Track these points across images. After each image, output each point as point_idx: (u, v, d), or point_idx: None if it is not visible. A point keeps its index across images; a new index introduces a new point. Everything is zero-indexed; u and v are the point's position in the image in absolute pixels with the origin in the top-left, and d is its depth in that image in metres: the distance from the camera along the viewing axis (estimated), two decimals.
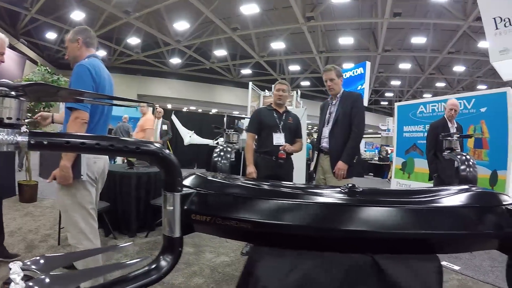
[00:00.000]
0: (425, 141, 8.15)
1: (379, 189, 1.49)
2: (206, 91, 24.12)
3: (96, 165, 2.33)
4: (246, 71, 22.75)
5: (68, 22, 16.06)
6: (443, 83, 23.57)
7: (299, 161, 5.28)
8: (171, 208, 1.08)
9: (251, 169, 3.52)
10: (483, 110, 7.15)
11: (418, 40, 17.08)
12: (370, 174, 14.30)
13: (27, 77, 6.22)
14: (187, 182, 1.25)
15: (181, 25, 16.38)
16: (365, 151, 15.90)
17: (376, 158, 12.53)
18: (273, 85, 3.89)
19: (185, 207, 1.12)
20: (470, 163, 1.88)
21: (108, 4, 14.24)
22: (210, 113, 23.89)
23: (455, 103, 4.76)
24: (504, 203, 1.15)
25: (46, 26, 17.15)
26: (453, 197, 1.26)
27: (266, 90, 11.54)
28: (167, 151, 0.97)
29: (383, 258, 1.04)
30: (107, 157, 2.54)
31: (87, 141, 0.84)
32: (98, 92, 2.20)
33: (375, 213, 1.09)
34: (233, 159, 6.30)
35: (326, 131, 3.48)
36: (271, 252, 1.09)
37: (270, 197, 1.17)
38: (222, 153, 2.82)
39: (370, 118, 29.07)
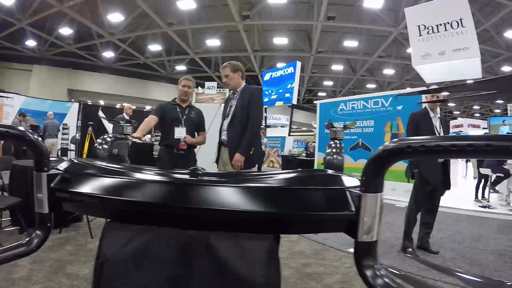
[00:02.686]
0: (345, 137, 8.80)
1: (226, 172, 1.54)
2: (140, 87, 23.38)
3: None
4: (181, 68, 22.41)
5: None
6: (374, 84, 24.92)
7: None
8: (40, 186, 1.15)
9: (136, 134, 3.42)
10: (399, 108, 7.75)
11: (351, 43, 17.93)
12: (298, 169, 14.49)
13: None
14: (60, 165, 1.30)
15: (116, 17, 15.75)
16: (294, 147, 16.40)
17: (304, 154, 12.90)
18: (179, 80, 3.94)
19: (51, 186, 1.19)
20: (337, 150, 2.04)
21: None
22: (145, 109, 23.02)
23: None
24: (347, 185, 1.16)
25: None
26: (297, 179, 1.31)
27: (200, 88, 11.50)
28: (34, 136, 1.04)
29: (215, 235, 1.09)
30: None
31: None
32: None
33: (210, 191, 1.14)
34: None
35: (225, 124, 3.59)
36: (113, 226, 1.16)
37: (117, 175, 1.25)
38: (102, 141, 2.93)
39: (303, 116, 30.09)
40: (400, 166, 7.09)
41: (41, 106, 12.70)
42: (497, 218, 6.45)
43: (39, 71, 19.71)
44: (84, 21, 15.93)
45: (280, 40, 18.00)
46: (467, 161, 16.15)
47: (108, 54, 20.25)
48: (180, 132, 3.73)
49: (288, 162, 15.11)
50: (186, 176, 1.30)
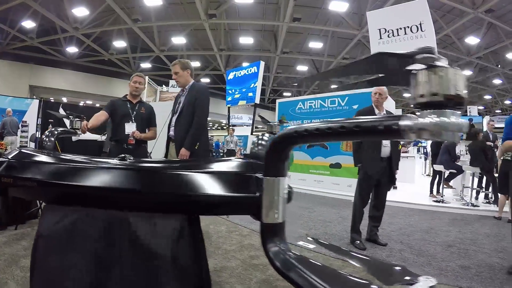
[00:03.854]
0: None
1: (150, 159, 1.63)
2: (104, 84, 22.73)
3: None
4: (146, 65, 22.06)
5: None
6: (337, 85, 25.29)
7: None
8: None
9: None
10: (355, 107, 8.05)
11: (316, 45, 18.26)
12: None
13: None
14: (9, 154, 1.45)
15: (81, 12, 15.29)
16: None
17: None
18: (131, 76, 4.00)
19: None
20: (261, 142, 2.17)
21: None
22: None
23: (380, 87, 4.28)
24: (256, 172, 1.28)
25: None
26: (211, 165, 1.43)
27: (164, 85, 11.44)
28: None
29: (133, 215, 1.23)
30: None
31: None
32: None
33: (129, 175, 1.29)
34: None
35: (173, 120, 3.72)
36: (49, 207, 1.30)
37: (53, 163, 1.40)
38: (48, 134, 3.09)
39: (268, 116, 29.93)
40: None
41: (0, 103, 12.31)
42: (450, 212, 6.79)
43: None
44: (48, 15, 15.39)
45: (246, 40, 18.12)
46: (425, 159, 16.78)
47: (72, 49, 19.66)
48: (130, 128, 3.82)
49: None
50: (112, 163, 1.42)
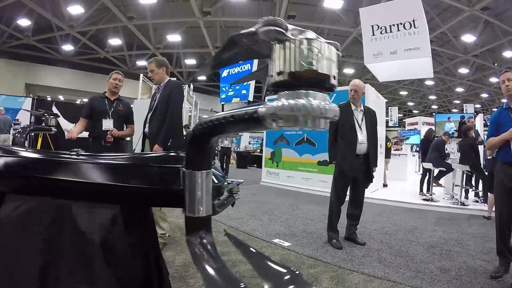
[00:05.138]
0: (291, 132, 9.01)
1: (102, 154, 1.68)
2: (100, 82, 22.11)
3: None
4: (142, 63, 21.85)
5: None
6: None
7: None
8: None
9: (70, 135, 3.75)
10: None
11: None
12: (254, 165, 14.94)
13: None
14: None
15: (76, 9, 15.26)
16: (250, 144, 16.74)
17: (259, 150, 13.08)
18: (110, 74, 4.05)
19: None
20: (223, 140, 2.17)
21: None
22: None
23: (356, 83, 4.30)
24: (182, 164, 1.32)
25: None
26: (143, 158, 1.49)
27: None
28: None
29: (77, 204, 1.29)
30: None
31: None
32: None
33: (71, 167, 1.37)
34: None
35: (149, 117, 3.72)
36: (10, 196, 1.39)
37: (13, 156, 1.50)
38: (20, 130, 3.18)
39: None
40: None
41: None
42: (438, 210, 6.70)
43: None
44: (43, 13, 15.42)
45: None
46: (419, 157, 16.72)
47: (68, 47, 19.60)
48: (107, 124, 3.86)
49: (243, 158, 15.32)
50: (62, 156, 1.48)
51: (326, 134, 8.02)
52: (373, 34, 8.27)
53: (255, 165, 13.99)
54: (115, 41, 19.14)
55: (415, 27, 7.63)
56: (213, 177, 1.34)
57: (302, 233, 4.54)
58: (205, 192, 1.15)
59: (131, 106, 4.34)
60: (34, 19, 16.50)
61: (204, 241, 1.18)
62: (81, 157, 1.51)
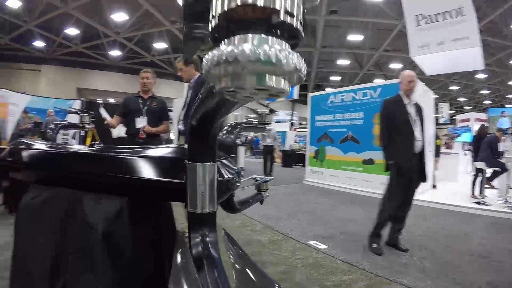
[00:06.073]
0: (335, 130, 8.72)
1: (118, 146, 1.68)
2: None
3: None
4: None
5: (5, 10, 15.24)
6: (382, 79, 24.58)
7: None
8: None
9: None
10: None
11: (356, 37, 17.72)
12: (299, 164, 14.49)
13: None
14: (12, 143, 1.72)
15: (121, 17, 15.93)
16: (296, 142, 16.59)
17: (304, 149, 12.83)
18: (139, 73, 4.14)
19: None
20: (230, 130, 2.07)
21: None
22: None
23: (411, 73, 3.86)
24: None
25: None
26: (147, 150, 1.43)
27: None
28: None
29: (87, 195, 1.33)
30: None
31: None
32: None
33: (81, 158, 1.46)
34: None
35: (182, 114, 3.70)
36: (32, 186, 1.50)
37: (38, 150, 1.62)
38: (52, 126, 3.27)
39: (304, 111, 29.73)
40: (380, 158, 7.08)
41: (45, 104, 12.98)
42: (491, 215, 6.02)
43: (47, 71, 20.21)
44: (89, 22, 16.20)
45: None
46: (472, 156, 15.79)
47: (115, 53, 20.50)
48: (140, 122, 3.92)
49: (288, 156, 15.18)
50: (77, 149, 1.61)
51: (370, 130, 7.91)
52: (418, 25, 7.81)
53: (300, 164, 13.72)
54: (160, 45, 19.75)
55: (462, 15, 7.12)
56: (224, 171, 1.25)
57: (341, 235, 4.28)
58: (208, 186, 1.06)
59: (165, 103, 4.37)
60: (81, 28, 17.39)
61: (209, 238, 1.10)
62: (92, 150, 1.56)
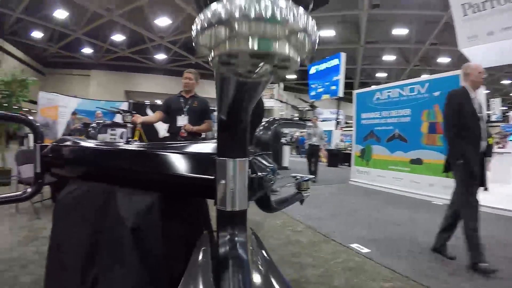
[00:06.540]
0: (382, 128, 8.35)
1: (152, 143, 1.72)
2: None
3: None
4: None
5: (52, 20, 16.24)
6: (429, 74, 23.63)
7: None
8: (35, 153, 1.67)
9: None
10: (436, 94, 7.10)
11: (401, 31, 17.15)
12: (345, 163, 13.97)
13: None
14: (56, 140, 1.79)
15: (164, 21, 16.46)
16: (342, 141, 16.23)
17: (350, 148, 12.43)
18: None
19: (42, 152, 1.68)
20: (267, 126, 2.00)
21: (90, 2, 14.43)
22: None
23: (480, 65, 3.49)
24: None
25: (32, 26, 17.32)
26: (186, 147, 1.41)
27: None
28: (29, 117, 1.68)
29: (120, 189, 1.37)
30: None
31: None
32: None
33: (116, 154, 1.50)
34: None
35: None
36: (72, 180, 1.58)
37: (76, 146, 1.69)
38: (94, 125, 3.34)
39: (348, 109, 29.00)
40: (438, 158, 6.69)
41: (93, 106, 13.59)
42: None
43: (97, 75, 21.40)
44: (134, 28, 16.82)
45: (327, 33, 17.61)
46: None
47: (160, 56, 21.21)
48: (182, 121, 3.98)
49: (334, 156, 14.88)
50: (113, 147, 1.68)
51: (417, 128, 7.55)
52: (465, 14, 7.29)
53: (346, 164, 13.36)
54: None
55: (510, 2, 6.61)
56: (257, 167, 1.19)
57: (385, 239, 4.03)
58: (239, 183, 1.00)
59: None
60: (126, 34, 18.21)
61: (237, 239, 1.04)
62: (124, 147, 1.64)
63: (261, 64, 0.40)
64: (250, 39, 0.35)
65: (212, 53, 0.39)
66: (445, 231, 3.52)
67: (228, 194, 0.98)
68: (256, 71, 0.42)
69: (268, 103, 18.47)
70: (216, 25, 0.36)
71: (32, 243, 3.25)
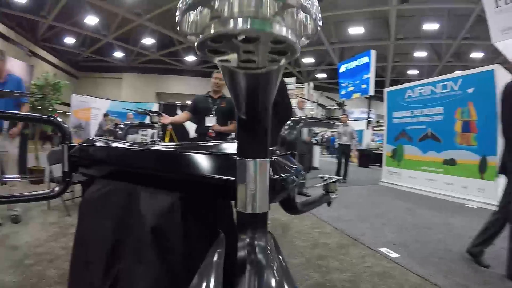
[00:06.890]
0: (414, 127, 8.09)
1: (194, 143, 1.70)
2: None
3: None
4: None
5: (83, 26, 16.80)
6: (462, 71, 22.88)
7: None
8: (63, 153, 1.60)
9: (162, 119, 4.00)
10: (470, 91, 6.85)
11: (432, 26, 16.68)
12: (376, 164, 13.91)
13: (33, 82, 7.11)
14: (83, 141, 1.73)
15: None
16: (374, 141, 15.96)
17: (381, 148, 12.14)
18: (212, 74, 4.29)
19: (69, 152, 1.63)
20: (293, 125, 1.94)
21: (119, 7, 14.81)
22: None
23: None
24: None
25: (64, 32, 17.99)
26: (208, 147, 1.41)
27: None
28: (57, 119, 1.51)
29: (143, 189, 1.31)
30: None
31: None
32: None
33: (139, 154, 1.43)
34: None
35: None
36: (97, 180, 1.55)
37: (100, 146, 1.63)
38: (121, 125, 3.41)
39: (379, 107, 28.39)
40: (472, 159, 6.43)
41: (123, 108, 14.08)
42: None
43: (128, 78, 22.02)
44: (163, 31, 17.15)
45: (357, 30, 17.35)
46: None
47: (190, 58, 21.50)
48: (210, 121, 4.00)
49: (365, 156, 14.61)
50: (137, 147, 1.57)
51: (451, 127, 7.26)
52: (497, 6, 6.92)
53: (377, 164, 13.09)
54: None
55: None
56: (279, 168, 1.15)
57: (416, 243, 3.87)
58: (259, 184, 0.97)
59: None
60: (156, 37, 18.62)
61: (257, 242, 1.02)
62: (148, 147, 1.54)
63: (258, 50, 0.33)
64: (238, 19, 0.29)
65: (198, 39, 0.33)
66: (488, 238, 3.23)
67: (249, 196, 0.95)
68: (250, 58, 0.35)
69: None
70: (198, 4, 0.31)
71: (60, 239, 3.38)
